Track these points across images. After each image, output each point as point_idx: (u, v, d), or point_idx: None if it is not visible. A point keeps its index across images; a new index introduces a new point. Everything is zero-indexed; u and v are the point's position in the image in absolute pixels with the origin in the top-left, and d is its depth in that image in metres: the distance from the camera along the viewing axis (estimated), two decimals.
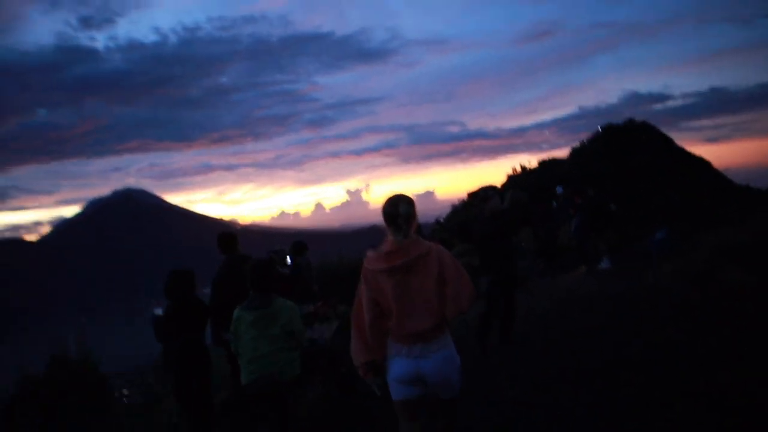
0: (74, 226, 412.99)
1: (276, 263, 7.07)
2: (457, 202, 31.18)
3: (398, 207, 3.23)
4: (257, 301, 4.71)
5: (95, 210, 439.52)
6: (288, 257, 8.35)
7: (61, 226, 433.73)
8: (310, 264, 8.84)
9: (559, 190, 20.82)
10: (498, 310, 7.21)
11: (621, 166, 24.26)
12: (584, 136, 30.26)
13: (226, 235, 7.13)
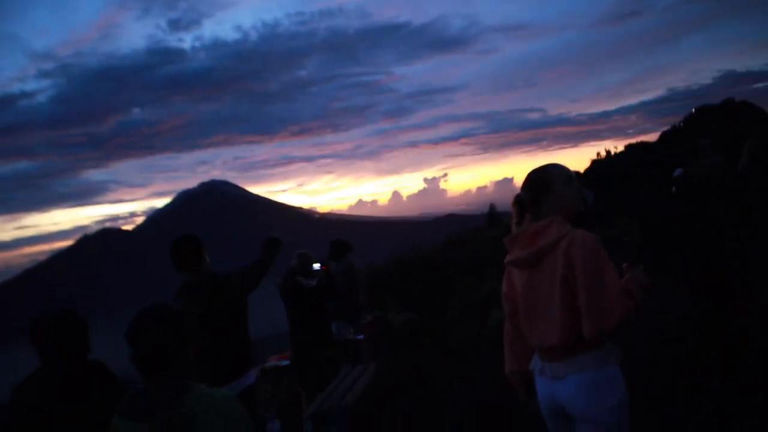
0: (165, 216, 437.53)
1: (297, 274, 5.72)
2: None
3: (526, 184, 2.47)
4: (144, 399, 1.89)
5: (184, 201, 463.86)
6: (317, 264, 6.02)
7: (154, 217, 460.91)
8: (353, 269, 6.87)
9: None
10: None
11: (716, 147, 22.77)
12: (674, 119, 28.69)
13: (339, 243, 6.67)
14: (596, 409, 2.19)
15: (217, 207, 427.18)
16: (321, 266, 5.91)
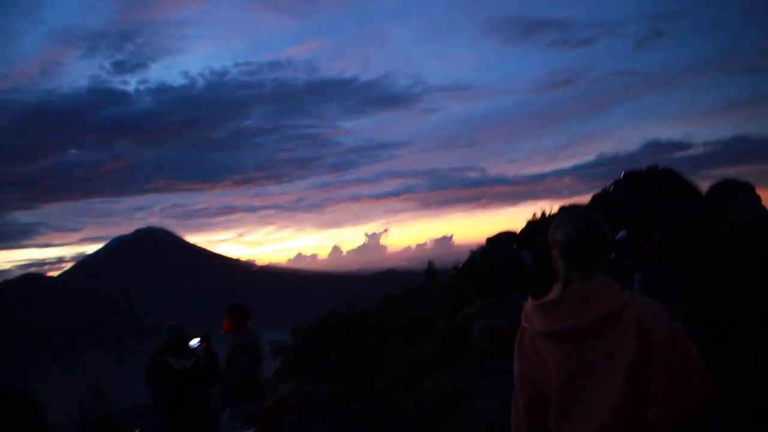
0: (95, 262, 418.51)
1: (168, 352, 4.61)
2: (475, 248, 30.65)
3: (556, 233, 1.97)
4: None
5: (117, 247, 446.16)
6: (195, 340, 4.84)
7: (83, 263, 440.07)
8: (253, 341, 5.41)
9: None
10: None
11: (643, 211, 23.69)
12: (604, 183, 29.93)
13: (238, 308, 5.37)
14: None
15: (151, 255, 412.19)
16: (200, 342, 4.75)
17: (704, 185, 30.17)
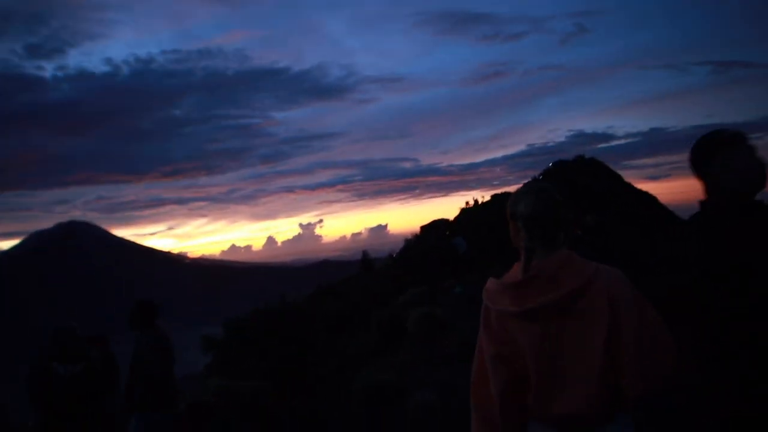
0: (12, 259, 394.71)
1: (53, 357, 4.03)
2: (410, 236, 30.74)
3: (518, 204, 1.92)
4: None
5: (36, 243, 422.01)
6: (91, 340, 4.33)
7: None
8: (163, 340, 4.79)
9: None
10: None
11: (573, 200, 24.37)
12: (534, 173, 30.79)
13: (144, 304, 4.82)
14: None
15: (75, 250, 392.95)
16: (96, 341, 4.16)
17: (625, 174, 31.63)
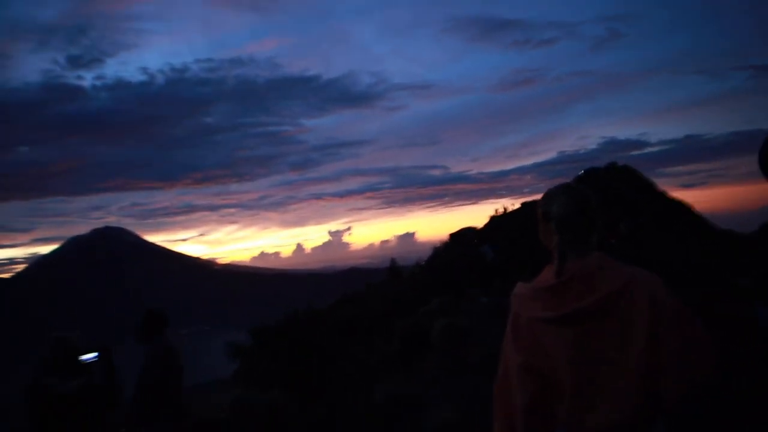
0: (51, 263, 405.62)
1: (50, 370, 3.79)
2: (438, 244, 30.43)
3: (551, 204, 1.83)
4: None
5: (73, 247, 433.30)
6: (90, 354, 3.97)
7: (37, 263, 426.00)
8: (171, 352, 4.54)
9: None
10: None
11: (606, 207, 23.81)
12: (564, 180, 30.28)
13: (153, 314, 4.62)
14: None
15: (110, 255, 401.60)
16: (97, 356, 3.82)
17: (659, 182, 30.71)
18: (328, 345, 12.02)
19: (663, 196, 28.09)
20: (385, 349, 10.78)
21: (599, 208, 1.82)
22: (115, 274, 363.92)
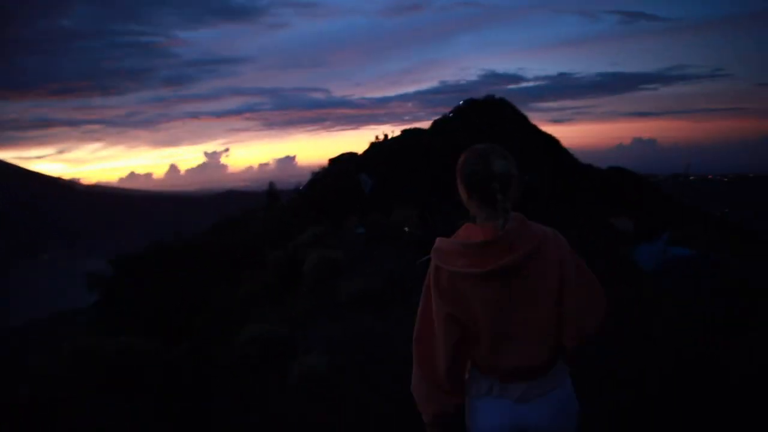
0: None
1: None
2: (318, 169, 29.91)
3: (491, 164, 1.93)
4: None
5: None
6: None
7: None
8: None
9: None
10: None
11: (481, 139, 24.35)
12: (445, 109, 30.66)
13: None
14: (568, 425, 2.05)
15: None
16: None
17: (532, 117, 32.09)
18: (197, 278, 11.31)
19: (535, 130, 29.29)
20: (256, 283, 10.34)
21: (506, 164, 1.93)
22: None
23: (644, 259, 7.92)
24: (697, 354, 4.42)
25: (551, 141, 28.89)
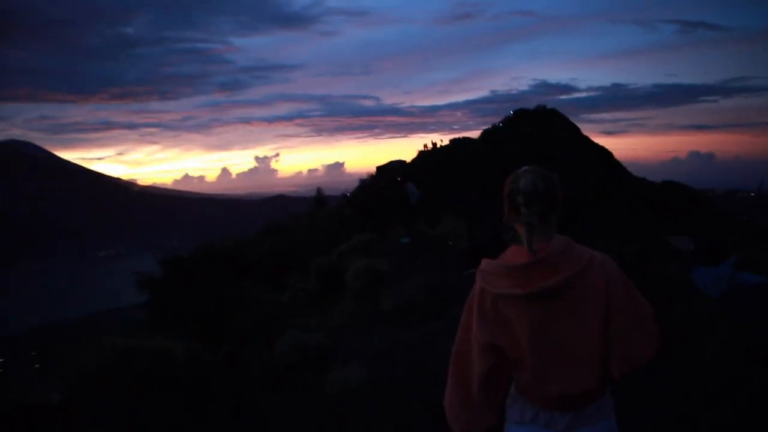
0: None
1: None
2: (365, 176, 30.03)
3: (520, 180, 1.91)
4: None
5: None
6: None
7: None
8: None
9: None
10: None
11: (530, 149, 23.92)
12: (495, 119, 30.45)
13: None
14: None
15: (16, 170, 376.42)
16: None
17: (584, 128, 31.32)
18: (242, 282, 11.44)
19: (587, 141, 28.63)
20: (301, 288, 10.36)
21: (560, 186, 1.90)
22: (24, 190, 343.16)
23: (708, 284, 7.24)
24: (747, 376, 4.14)
25: (603, 153, 28.18)
